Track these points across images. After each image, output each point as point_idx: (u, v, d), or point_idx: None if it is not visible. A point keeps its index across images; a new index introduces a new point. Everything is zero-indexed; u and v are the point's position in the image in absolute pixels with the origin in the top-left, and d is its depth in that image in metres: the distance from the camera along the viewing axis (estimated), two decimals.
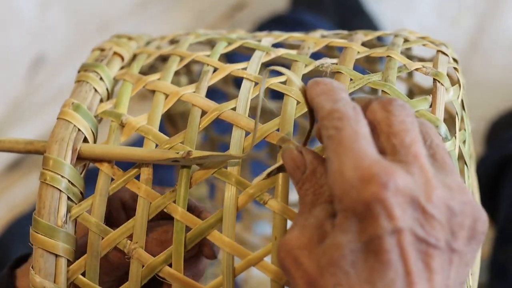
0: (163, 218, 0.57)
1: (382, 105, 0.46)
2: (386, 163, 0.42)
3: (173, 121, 0.80)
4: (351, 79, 0.53)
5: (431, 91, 0.53)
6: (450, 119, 0.62)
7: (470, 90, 1.30)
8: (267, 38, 0.61)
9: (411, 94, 0.73)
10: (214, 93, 0.88)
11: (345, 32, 0.63)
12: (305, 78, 0.55)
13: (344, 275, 0.42)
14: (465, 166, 0.55)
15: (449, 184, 0.44)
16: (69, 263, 0.53)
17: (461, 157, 0.56)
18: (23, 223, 1.02)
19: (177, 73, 0.75)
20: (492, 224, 1.13)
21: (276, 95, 0.83)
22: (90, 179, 0.56)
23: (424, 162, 0.44)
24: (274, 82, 0.55)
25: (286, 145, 0.50)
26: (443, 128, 0.51)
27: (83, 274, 0.53)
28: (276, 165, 0.51)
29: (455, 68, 0.56)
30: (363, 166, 0.42)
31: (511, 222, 1.03)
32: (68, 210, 0.53)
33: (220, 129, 0.88)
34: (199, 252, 0.56)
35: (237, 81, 0.81)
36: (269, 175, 0.51)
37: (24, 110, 1.25)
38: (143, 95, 0.60)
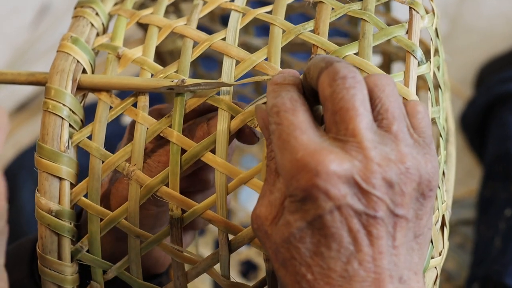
0: None
1: (328, 79, 0.47)
2: (318, 150, 0.46)
3: (162, 59, 0.83)
4: (332, 8, 0.56)
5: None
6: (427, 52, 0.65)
7: (461, 37, 1.33)
8: None
9: None
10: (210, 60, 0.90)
11: None
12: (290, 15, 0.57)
13: (296, 250, 0.47)
14: (440, 90, 0.59)
15: (388, 155, 0.46)
16: (72, 186, 0.56)
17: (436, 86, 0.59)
18: (29, 154, 1.07)
19: (166, 11, 0.77)
20: (480, 162, 1.17)
21: (263, 32, 0.86)
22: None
23: (362, 138, 0.46)
24: (260, 13, 0.57)
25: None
26: (419, 52, 0.54)
27: (85, 196, 0.56)
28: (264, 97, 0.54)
29: None
30: (296, 158, 0.46)
31: (496, 159, 1.07)
32: (70, 136, 0.56)
33: (208, 67, 0.91)
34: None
35: (224, 20, 0.83)
36: None
37: (27, 58, 1.27)
38: None
